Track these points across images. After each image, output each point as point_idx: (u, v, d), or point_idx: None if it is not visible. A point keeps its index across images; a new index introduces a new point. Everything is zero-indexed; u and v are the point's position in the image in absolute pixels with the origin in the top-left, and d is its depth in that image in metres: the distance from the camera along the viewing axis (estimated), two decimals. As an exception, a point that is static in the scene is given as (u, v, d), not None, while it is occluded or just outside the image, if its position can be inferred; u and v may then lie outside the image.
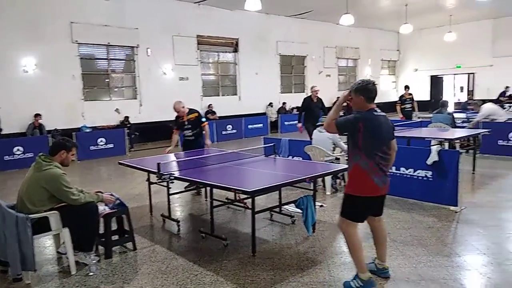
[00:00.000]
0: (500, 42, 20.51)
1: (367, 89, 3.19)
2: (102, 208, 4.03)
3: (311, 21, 18.47)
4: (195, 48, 14.81)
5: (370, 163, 3.12)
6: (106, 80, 13.15)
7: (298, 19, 17.75)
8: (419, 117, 11.23)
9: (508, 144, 8.21)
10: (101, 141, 11.26)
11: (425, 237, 4.36)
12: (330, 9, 15.82)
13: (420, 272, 3.54)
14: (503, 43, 20.39)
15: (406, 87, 13.18)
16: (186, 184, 5.87)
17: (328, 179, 6.20)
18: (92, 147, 11.04)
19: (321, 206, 5.58)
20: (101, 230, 4.08)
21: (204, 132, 6.65)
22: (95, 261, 3.86)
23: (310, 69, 19.26)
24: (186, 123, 6.58)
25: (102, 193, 4.08)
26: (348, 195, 3.26)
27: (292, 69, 18.90)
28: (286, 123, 16.16)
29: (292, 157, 7.00)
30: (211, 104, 15.14)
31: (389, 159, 3.28)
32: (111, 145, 11.38)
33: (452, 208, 5.16)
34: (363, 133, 3.08)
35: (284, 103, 17.58)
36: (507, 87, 18.21)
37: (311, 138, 7.32)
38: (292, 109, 17.64)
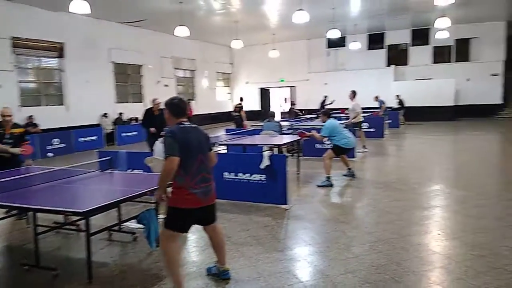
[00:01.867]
0: (313, 60, 24.05)
1: (173, 105, 3.36)
2: None
3: (146, 30, 18.10)
4: (10, 51, 12.77)
5: (187, 177, 3.19)
6: None
7: (132, 27, 17.15)
8: (251, 126, 12.17)
9: (323, 147, 9.59)
10: None
11: (262, 236, 4.72)
12: (165, 19, 15.82)
13: (259, 270, 3.80)
14: (316, 61, 23.98)
15: (240, 99, 14.43)
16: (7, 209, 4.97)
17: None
18: None
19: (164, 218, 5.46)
20: None
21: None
22: None
23: (148, 79, 18.81)
24: (7, 136, 5.59)
25: None
26: (170, 207, 3.31)
27: (128, 78, 18.12)
28: (123, 134, 15.35)
29: (132, 171, 6.67)
30: (32, 116, 13.19)
31: (209, 170, 3.39)
32: None
33: (283, 206, 5.74)
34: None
35: (120, 114, 16.68)
36: (325, 96, 21.36)
37: (151, 150, 7.11)
38: (130, 119, 16.88)
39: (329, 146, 7.95)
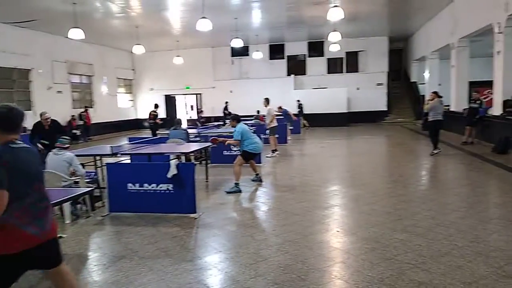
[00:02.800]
0: (219, 68, 24.30)
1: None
2: None
3: (34, 32, 16.47)
4: None
5: (16, 213, 2.41)
6: None
7: (17, 27, 15.46)
8: (157, 133, 11.81)
9: (230, 153, 9.72)
10: None
11: (170, 247, 4.58)
12: (57, 21, 14.60)
13: (168, 283, 3.68)
14: (221, 69, 24.26)
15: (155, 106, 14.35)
16: None
17: (66, 206, 5.62)
18: None
19: (60, 237, 4.98)
20: None
21: None
22: None
23: (37, 85, 17.10)
24: None
25: None
26: None
27: (13, 83, 16.25)
28: (9, 146, 13.68)
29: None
30: None
31: (46, 198, 2.67)
32: None
33: (192, 215, 5.65)
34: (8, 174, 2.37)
35: (4, 124, 14.85)
36: (227, 102, 21.74)
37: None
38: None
39: (237, 153, 8.10)
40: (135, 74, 25.34)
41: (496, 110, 11.39)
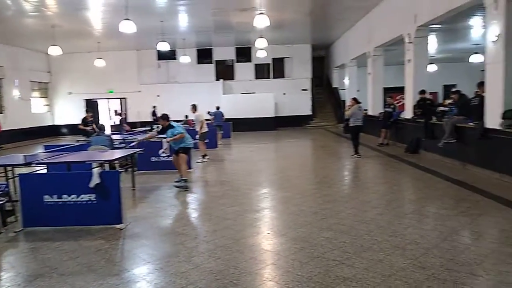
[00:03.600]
0: (145, 71, 23.54)
1: None
2: None
3: None
4: None
5: None
6: None
7: None
8: (77, 140, 11.06)
9: (159, 159, 9.42)
10: None
11: (94, 261, 4.30)
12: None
13: (93, 300, 3.44)
14: (147, 72, 23.53)
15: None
16: None
17: None
18: None
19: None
20: None
21: None
22: None
23: None
24: None
25: None
26: None
27: None
28: None
29: None
30: None
31: None
32: None
33: (118, 226, 5.36)
34: None
35: None
36: (154, 106, 21.10)
37: None
38: None
39: (166, 159, 7.96)
40: (52, 77, 23.55)
41: (408, 113, 12.45)
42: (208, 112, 17.67)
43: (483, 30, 11.33)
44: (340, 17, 16.96)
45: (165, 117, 8.01)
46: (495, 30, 7.63)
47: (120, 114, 22.46)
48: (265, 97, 23.00)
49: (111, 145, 9.10)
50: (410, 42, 11.87)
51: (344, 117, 20.07)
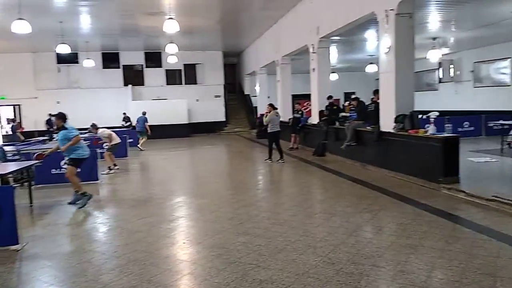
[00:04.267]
0: (42, 76, 21.53)
1: None
2: None
3: None
4: None
5: None
6: None
7: None
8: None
9: (60, 172, 8.67)
10: None
11: (-16, 290, 3.79)
12: None
13: (-17, 334, 3.02)
14: (45, 77, 21.55)
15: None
16: None
17: None
18: None
19: None
20: None
21: None
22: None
23: None
24: None
25: None
26: None
27: None
28: None
29: None
30: None
31: None
32: None
33: (13, 247, 4.80)
34: None
35: None
36: (50, 114, 19.33)
37: None
38: None
39: (64, 169, 7.29)
40: None
41: (314, 119, 13.21)
42: (124, 115, 16.98)
43: (377, 42, 12.52)
44: (249, 26, 17.42)
45: (61, 115, 7.03)
46: (386, 42, 8.48)
47: (13, 121, 20.22)
48: (178, 103, 22.58)
49: (4, 157, 8.15)
50: (314, 52, 12.65)
51: (257, 123, 20.74)
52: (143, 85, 23.27)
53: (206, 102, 23.75)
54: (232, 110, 25.26)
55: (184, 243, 5.01)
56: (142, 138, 16.42)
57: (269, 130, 11.29)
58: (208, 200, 7.20)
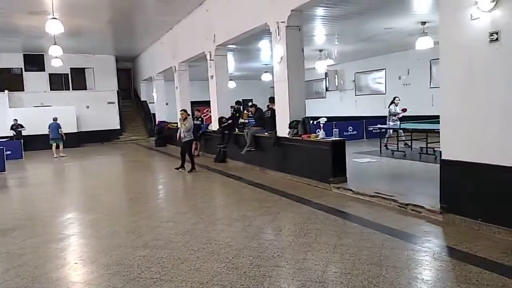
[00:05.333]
0: None
1: None
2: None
3: None
4: None
5: None
6: None
7: None
8: None
9: None
10: None
11: None
12: None
13: None
14: None
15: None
16: None
17: None
18: None
19: None
20: None
21: None
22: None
23: None
24: None
25: None
26: None
27: None
28: None
29: None
30: None
31: None
32: None
33: None
34: None
35: None
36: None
37: None
38: None
39: None
40: None
41: (214, 126, 13.29)
42: (15, 121, 15.26)
43: (271, 52, 13.15)
44: (143, 30, 16.84)
45: None
46: (279, 52, 8.95)
47: None
48: (65, 110, 20.56)
49: None
50: (212, 60, 12.75)
51: (155, 129, 20.07)
52: (22, 90, 20.87)
53: (98, 109, 22.24)
54: (127, 118, 24.10)
55: (76, 263, 4.59)
56: (58, 145, 15.95)
57: (185, 139, 10.58)
58: (102, 215, 6.72)
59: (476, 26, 4.65)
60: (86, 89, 22.58)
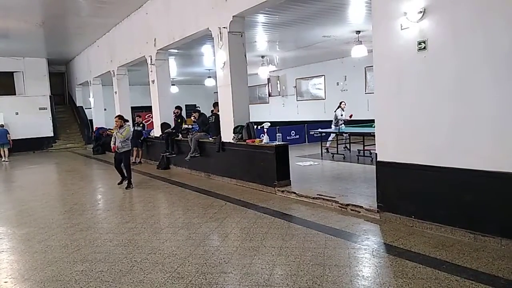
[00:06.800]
0: None
1: None
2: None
3: None
4: None
5: None
6: None
7: None
8: None
9: None
10: None
11: None
12: None
13: None
14: None
15: None
16: None
17: None
18: None
19: None
20: None
21: None
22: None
23: None
24: None
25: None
26: None
27: None
28: None
29: None
30: None
31: None
32: None
33: None
34: None
35: None
36: None
37: None
38: None
39: None
40: None
41: (157, 132, 12.96)
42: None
43: (213, 57, 13.12)
44: (78, 32, 16.01)
45: None
46: (222, 58, 8.96)
47: None
48: (-10, 117, 19.08)
49: None
50: (153, 64, 12.44)
51: (92, 137, 19.13)
52: None
53: (28, 115, 20.76)
54: (62, 124, 22.77)
55: (6, 282, 4.23)
56: (4, 150, 17.00)
57: (123, 150, 9.32)
58: (35, 228, 6.26)
59: (406, 36, 5.00)
60: (15, 94, 20.99)
